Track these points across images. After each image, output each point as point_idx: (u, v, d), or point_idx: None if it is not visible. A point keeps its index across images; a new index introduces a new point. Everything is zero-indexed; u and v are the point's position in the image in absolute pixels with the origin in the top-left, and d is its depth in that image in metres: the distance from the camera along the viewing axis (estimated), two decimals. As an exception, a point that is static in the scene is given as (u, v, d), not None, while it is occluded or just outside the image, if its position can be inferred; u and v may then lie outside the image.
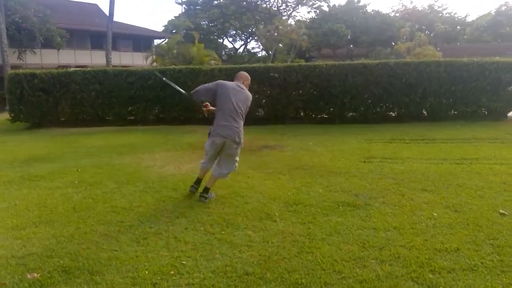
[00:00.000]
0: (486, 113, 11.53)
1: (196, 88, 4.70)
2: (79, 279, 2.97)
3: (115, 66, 19.99)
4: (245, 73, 4.91)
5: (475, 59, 11.31)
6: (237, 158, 4.80)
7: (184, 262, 3.18)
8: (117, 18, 48.59)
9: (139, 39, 34.70)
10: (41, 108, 12.57)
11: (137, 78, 12.29)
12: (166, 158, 7.27)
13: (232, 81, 4.81)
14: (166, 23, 44.15)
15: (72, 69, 14.41)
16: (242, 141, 4.64)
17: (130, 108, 12.80)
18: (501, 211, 4.11)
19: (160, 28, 46.21)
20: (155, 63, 22.21)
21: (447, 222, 3.87)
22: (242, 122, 4.63)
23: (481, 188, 4.92)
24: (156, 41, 35.76)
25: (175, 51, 21.63)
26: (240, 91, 4.65)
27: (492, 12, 43.08)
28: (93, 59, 30.01)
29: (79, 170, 6.43)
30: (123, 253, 3.38)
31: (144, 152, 7.87)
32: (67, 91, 12.45)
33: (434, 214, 4.10)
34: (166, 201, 4.74)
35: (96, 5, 37.32)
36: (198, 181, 4.94)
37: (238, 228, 3.86)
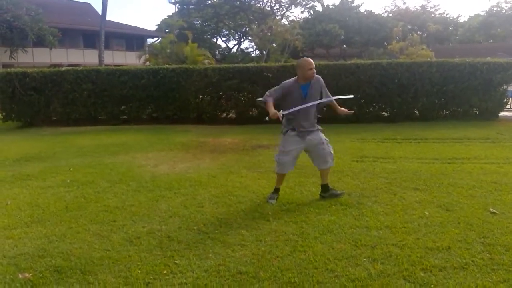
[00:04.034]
0: (478, 113, 11.59)
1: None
2: (71, 279, 2.96)
3: (107, 65, 19.91)
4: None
5: (467, 60, 11.39)
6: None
7: (177, 262, 3.18)
8: (109, 17, 48.35)
9: (132, 38, 34.62)
10: (32, 107, 12.48)
11: (130, 77, 12.22)
12: (160, 157, 7.24)
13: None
14: (159, 22, 44.08)
15: (64, 68, 14.31)
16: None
17: (123, 107, 12.72)
18: (491, 210, 4.15)
19: (153, 27, 46.01)
20: (148, 62, 22.11)
21: (439, 221, 3.90)
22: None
23: (472, 187, 4.96)
24: (149, 40, 35.71)
25: (168, 50, 21.56)
26: None
27: (484, 13, 43.51)
28: (86, 58, 29.89)
29: (71, 169, 6.39)
30: (115, 252, 3.37)
31: (137, 151, 7.84)
32: (59, 90, 12.36)
33: (426, 213, 4.13)
34: (159, 200, 4.73)
35: (88, 4, 37.13)
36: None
37: (231, 227, 3.86)
